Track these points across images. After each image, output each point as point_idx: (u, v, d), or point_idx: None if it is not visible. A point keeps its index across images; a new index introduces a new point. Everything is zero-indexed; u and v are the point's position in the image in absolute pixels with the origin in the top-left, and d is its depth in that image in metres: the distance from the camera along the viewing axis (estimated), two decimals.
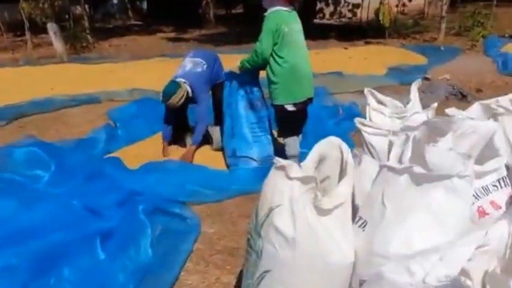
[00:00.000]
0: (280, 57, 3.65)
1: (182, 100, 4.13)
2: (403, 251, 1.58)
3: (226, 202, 3.61)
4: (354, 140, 4.80)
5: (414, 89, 3.17)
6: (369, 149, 2.68)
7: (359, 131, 3.22)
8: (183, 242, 2.95)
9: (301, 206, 1.75)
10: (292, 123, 3.82)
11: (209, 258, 2.87)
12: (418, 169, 1.59)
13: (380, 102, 3.19)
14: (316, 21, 17.36)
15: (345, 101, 5.98)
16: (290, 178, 1.79)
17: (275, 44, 3.64)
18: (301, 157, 3.90)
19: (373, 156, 2.68)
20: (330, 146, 1.92)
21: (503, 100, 2.73)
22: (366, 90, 3.21)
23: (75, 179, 3.43)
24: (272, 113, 4.13)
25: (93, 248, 2.65)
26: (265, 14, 3.71)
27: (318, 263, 1.71)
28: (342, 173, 1.90)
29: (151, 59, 9.90)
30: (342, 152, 1.90)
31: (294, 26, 3.73)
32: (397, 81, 7.21)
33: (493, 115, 2.37)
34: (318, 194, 1.77)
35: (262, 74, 4.00)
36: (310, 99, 3.80)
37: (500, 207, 1.95)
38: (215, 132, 4.45)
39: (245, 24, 15.95)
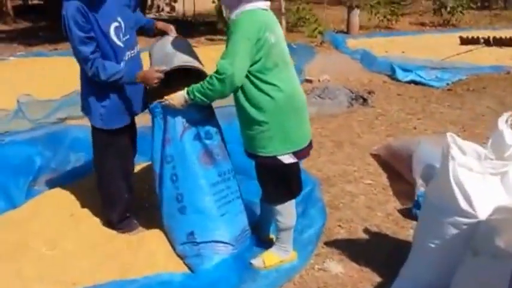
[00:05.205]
0: (270, 84, 2.13)
1: None
2: None
3: None
4: None
5: (507, 129, 2.06)
6: None
7: None
8: None
9: None
10: (287, 182, 2.33)
11: None
12: None
13: (461, 150, 2.00)
14: (151, 16, 15.06)
15: None
16: None
17: (255, 62, 2.09)
18: None
19: None
20: None
21: None
22: (448, 137, 1.96)
23: None
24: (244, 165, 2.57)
25: None
26: (232, 16, 2.11)
27: None
28: None
29: None
30: None
31: (278, 31, 2.23)
32: None
33: None
34: None
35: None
36: (311, 142, 2.35)
37: None
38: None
39: (48, 17, 12.67)
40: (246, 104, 2.16)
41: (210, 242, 2.35)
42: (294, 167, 2.32)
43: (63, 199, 2.97)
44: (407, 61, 7.08)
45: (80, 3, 2.22)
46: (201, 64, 2.43)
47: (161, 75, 2.29)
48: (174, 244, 2.44)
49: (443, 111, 4.93)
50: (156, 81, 2.29)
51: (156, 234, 2.51)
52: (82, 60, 2.31)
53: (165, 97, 2.29)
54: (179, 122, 2.33)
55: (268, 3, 2.22)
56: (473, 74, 6.34)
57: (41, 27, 12.60)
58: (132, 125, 2.68)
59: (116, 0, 2.41)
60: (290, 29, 11.10)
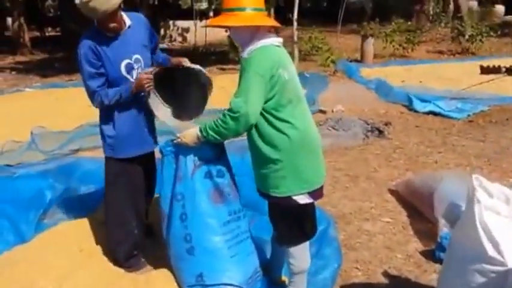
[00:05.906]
0: (284, 121, 2.10)
1: None
2: None
3: None
4: None
5: None
6: None
7: None
8: None
9: None
10: (301, 223, 2.26)
11: None
12: None
13: (488, 192, 1.92)
14: (163, 46, 15.40)
15: None
16: None
17: (269, 99, 2.07)
18: None
19: None
20: None
21: None
22: (474, 179, 1.88)
23: None
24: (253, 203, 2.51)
25: None
26: (244, 55, 2.11)
27: None
28: None
29: None
30: None
31: (291, 68, 2.22)
32: None
33: None
34: None
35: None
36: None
37: None
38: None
39: (65, 48, 13.04)
40: (260, 142, 2.13)
41: (219, 284, 2.28)
42: (309, 207, 2.25)
43: (73, 234, 2.93)
44: (425, 91, 7.04)
45: (92, 42, 2.40)
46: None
47: (150, 75, 2.40)
48: (182, 286, 2.36)
49: (465, 144, 4.82)
50: (145, 82, 2.39)
51: (163, 274, 2.44)
52: (90, 93, 2.46)
53: (178, 135, 2.29)
54: (190, 159, 2.31)
55: (281, 39, 2.23)
56: (495, 105, 6.23)
57: (57, 58, 12.99)
58: (148, 161, 2.70)
59: (134, 39, 2.51)
60: (303, 57, 11.19)
